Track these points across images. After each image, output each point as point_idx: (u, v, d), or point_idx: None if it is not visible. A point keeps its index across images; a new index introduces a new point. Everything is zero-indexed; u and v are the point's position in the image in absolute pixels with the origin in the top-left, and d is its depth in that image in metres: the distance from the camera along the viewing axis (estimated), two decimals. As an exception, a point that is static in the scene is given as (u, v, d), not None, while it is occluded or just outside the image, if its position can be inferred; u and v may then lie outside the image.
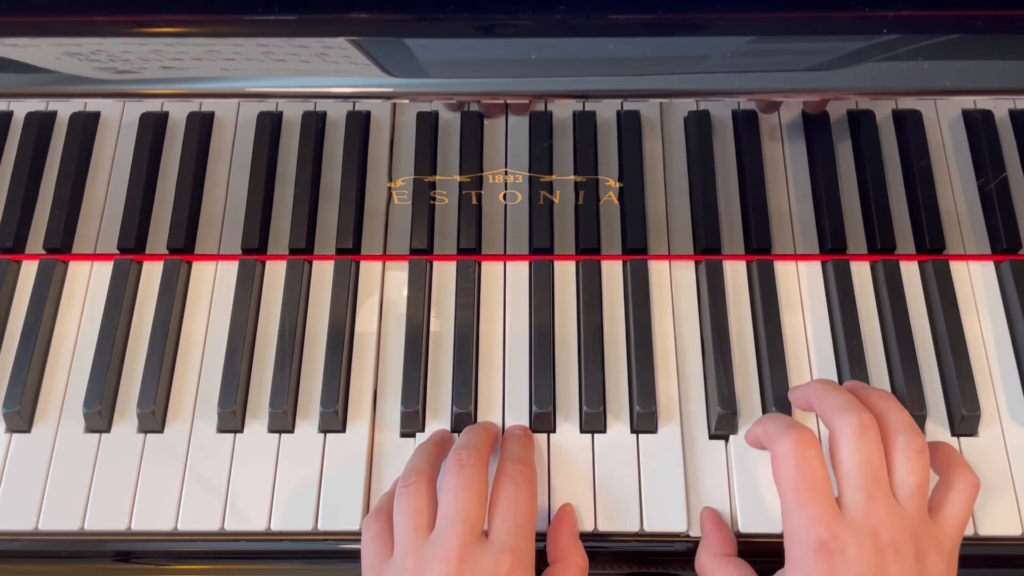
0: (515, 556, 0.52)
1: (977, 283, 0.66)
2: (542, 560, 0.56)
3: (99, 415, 0.61)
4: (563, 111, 0.67)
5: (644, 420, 0.60)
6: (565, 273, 0.66)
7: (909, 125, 0.67)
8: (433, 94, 0.61)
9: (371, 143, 0.68)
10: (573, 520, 0.57)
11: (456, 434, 0.61)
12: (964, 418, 0.60)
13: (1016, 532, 0.58)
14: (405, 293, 0.65)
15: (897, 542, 0.49)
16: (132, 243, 0.66)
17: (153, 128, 0.68)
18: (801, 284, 0.66)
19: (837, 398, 0.54)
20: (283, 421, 0.61)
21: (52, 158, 0.68)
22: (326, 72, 0.56)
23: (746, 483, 0.59)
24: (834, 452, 0.52)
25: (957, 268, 0.66)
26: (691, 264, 0.66)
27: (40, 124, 0.68)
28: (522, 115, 0.67)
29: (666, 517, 0.58)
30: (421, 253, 0.66)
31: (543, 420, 0.61)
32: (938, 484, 0.54)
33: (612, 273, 0.66)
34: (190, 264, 0.67)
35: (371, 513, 0.56)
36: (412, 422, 0.61)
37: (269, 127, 0.68)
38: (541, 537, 0.57)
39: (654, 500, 0.58)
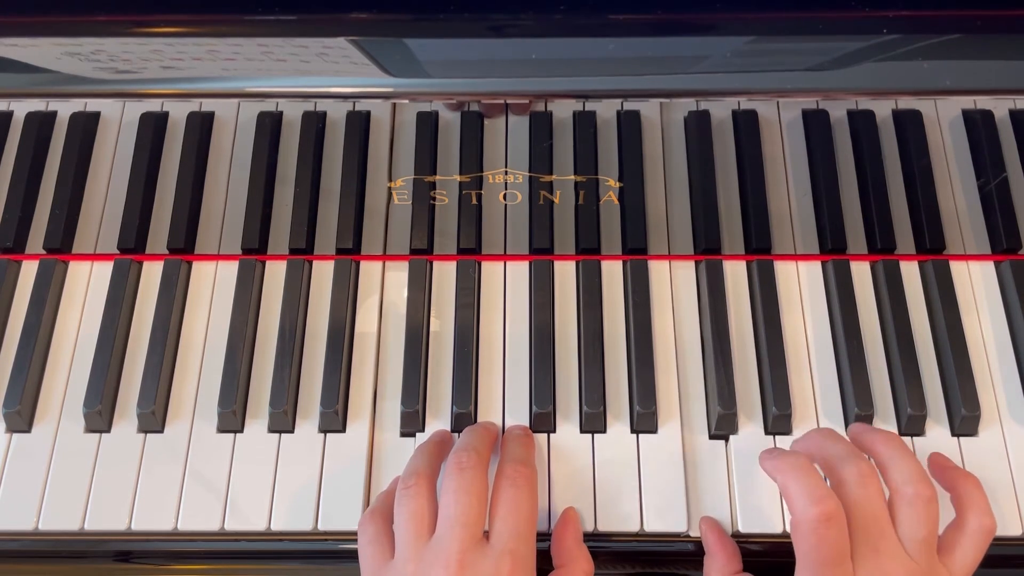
0: (516, 560, 0.52)
1: (977, 283, 0.66)
2: (544, 560, 0.56)
3: (99, 415, 0.61)
4: (563, 111, 0.67)
5: (644, 420, 0.60)
6: (565, 273, 0.66)
7: (909, 125, 0.67)
8: (433, 94, 0.61)
9: (371, 143, 0.68)
10: (578, 524, 0.57)
11: (456, 434, 0.61)
12: (964, 418, 0.60)
13: (1016, 532, 0.58)
14: (405, 293, 0.65)
15: None
16: (132, 243, 0.66)
17: (153, 128, 0.68)
18: (801, 284, 0.66)
19: (835, 447, 0.53)
20: (283, 421, 0.61)
21: (52, 158, 0.68)
22: (326, 72, 0.56)
23: (746, 483, 0.59)
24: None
25: (957, 268, 0.66)
26: (691, 264, 0.66)
27: (40, 124, 0.68)
28: (522, 115, 0.67)
29: (666, 517, 0.58)
30: (421, 253, 0.66)
31: (543, 420, 0.61)
32: (952, 524, 0.53)
33: (612, 273, 0.66)
34: (190, 264, 0.67)
35: (367, 514, 0.56)
36: (412, 422, 0.61)
37: (269, 127, 0.68)
38: (543, 537, 0.57)
39: (654, 500, 0.58)
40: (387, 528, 0.55)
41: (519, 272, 0.66)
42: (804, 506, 0.50)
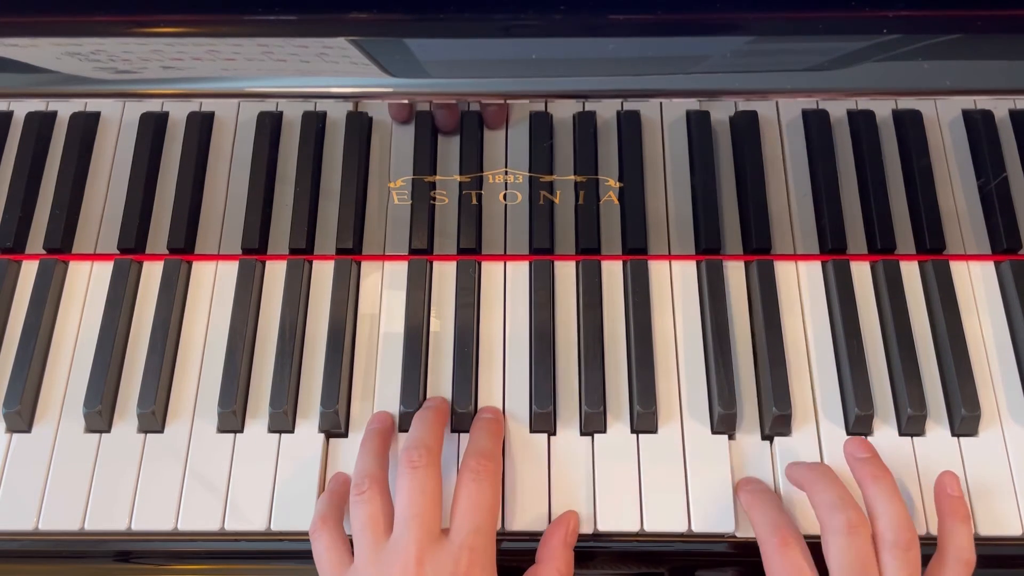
0: (474, 555, 0.52)
1: (977, 283, 0.66)
2: (530, 560, 0.56)
3: (99, 415, 0.61)
4: (563, 111, 0.67)
5: (644, 420, 0.60)
6: (565, 273, 0.66)
7: (909, 125, 0.67)
8: (433, 94, 0.61)
9: (371, 143, 0.68)
10: (571, 527, 0.57)
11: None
12: (964, 418, 0.60)
13: (1016, 532, 0.58)
14: (405, 293, 0.65)
15: None
16: (132, 243, 0.66)
17: (153, 128, 0.68)
18: (801, 284, 0.66)
19: (828, 493, 0.55)
20: (283, 421, 0.61)
21: (52, 158, 0.68)
22: (326, 72, 0.56)
23: (746, 483, 0.59)
24: (825, 548, 0.53)
25: (957, 268, 0.66)
26: (691, 264, 0.66)
27: (40, 124, 0.68)
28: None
29: (666, 517, 0.58)
30: (421, 253, 0.66)
31: (543, 420, 0.60)
32: (934, 558, 0.55)
33: (612, 273, 0.66)
34: (190, 264, 0.67)
35: (318, 521, 0.56)
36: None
37: (269, 127, 0.68)
38: (536, 536, 0.57)
39: (654, 500, 0.58)
40: (340, 533, 0.55)
41: (519, 272, 0.66)
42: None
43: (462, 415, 0.61)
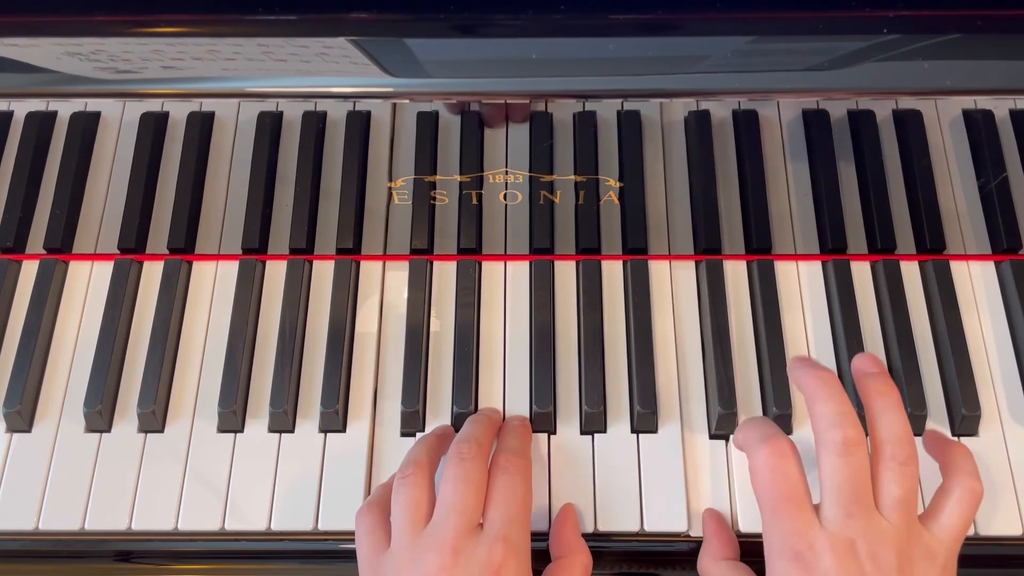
0: (509, 546, 0.52)
1: (977, 283, 0.66)
2: (545, 559, 0.56)
3: (99, 415, 0.61)
4: (563, 111, 0.67)
5: (644, 420, 0.60)
6: (565, 273, 0.66)
7: (909, 125, 0.67)
8: (433, 94, 0.61)
9: (371, 143, 0.68)
10: (576, 518, 0.57)
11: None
12: (964, 418, 0.60)
13: (1016, 532, 0.58)
14: (405, 293, 0.65)
15: (876, 554, 0.49)
16: (132, 243, 0.66)
17: (153, 128, 0.68)
18: (801, 284, 0.66)
19: (828, 406, 0.52)
20: (283, 421, 0.61)
21: (52, 158, 0.68)
22: (326, 72, 0.56)
23: (746, 483, 0.59)
24: (819, 462, 0.52)
25: (957, 268, 0.66)
26: (691, 264, 0.66)
27: (40, 124, 0.68)
28: (522, 122, 0.67)
29: (666, 517, 0.58)
30: (421, 253, 0.66)
31: (543, 420, 0.61)
32: (939, 489, 0.53)
33: (612, 273, 0.66)
34: (190, 264, 0.67)
35: (364, 505, 0.56)
36: (412, 422, 0.61)
37: (269, 127, 0.68)
38: (542, 536, 0.57)
39: (654, 500, 0.58)
40: (384, 519, 0.55)
41: (519, 272, 0.66)
42: (754, 450, 0.53)
43: (462, 415, 0.61)
